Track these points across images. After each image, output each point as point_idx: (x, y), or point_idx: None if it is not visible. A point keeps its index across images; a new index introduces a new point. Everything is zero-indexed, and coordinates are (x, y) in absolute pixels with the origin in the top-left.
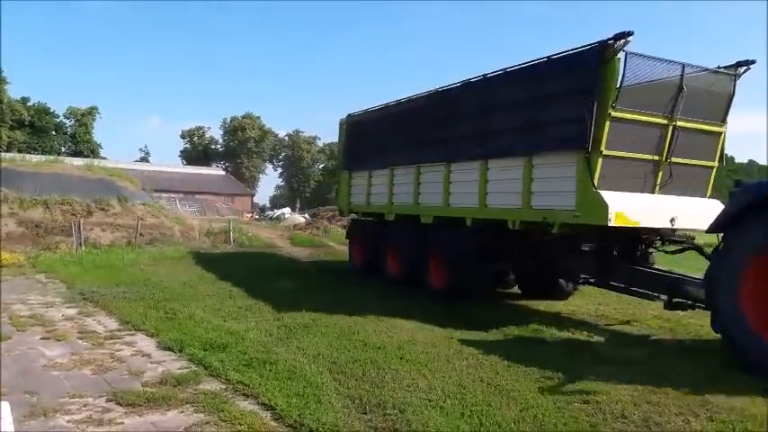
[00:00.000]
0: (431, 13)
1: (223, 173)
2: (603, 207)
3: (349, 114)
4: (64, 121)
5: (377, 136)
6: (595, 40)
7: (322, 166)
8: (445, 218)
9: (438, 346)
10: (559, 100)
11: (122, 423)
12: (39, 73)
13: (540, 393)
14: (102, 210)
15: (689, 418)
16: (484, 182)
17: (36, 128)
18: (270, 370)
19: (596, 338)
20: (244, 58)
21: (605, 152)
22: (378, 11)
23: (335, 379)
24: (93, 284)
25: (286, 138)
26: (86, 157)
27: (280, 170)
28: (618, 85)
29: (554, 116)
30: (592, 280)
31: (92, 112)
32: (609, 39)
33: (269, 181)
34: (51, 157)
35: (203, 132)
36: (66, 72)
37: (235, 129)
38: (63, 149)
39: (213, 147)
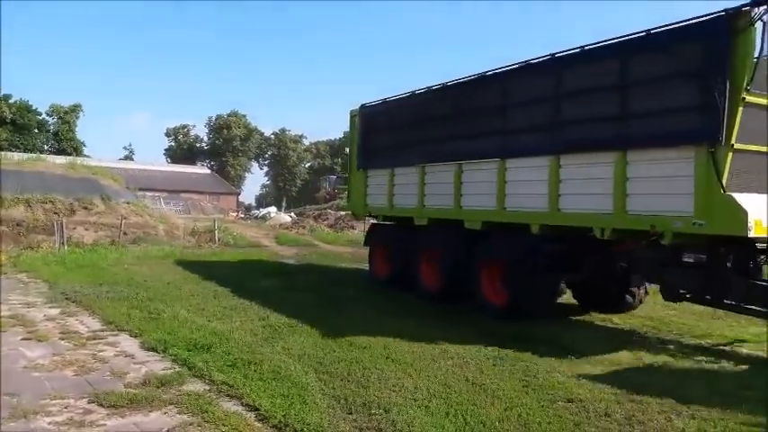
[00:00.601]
0: (422, 12)
1: (208, 171)
2: (740, 213)
3: (363, 105)
4: (46, 118)
5: (402, 128)
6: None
7: (308, 164)
8: (498, 223)
9: (424, 346)
10: (668, 83)
11: (104, 425)
12: (20, 70)
13: (524, 392)
14: (86, 208)
15: (671, 416)
16: (555, 181)
17: (18, 125)
18: (254, 370)
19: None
20: (230, 55)
21: (737, 146)
22: (367, 10)
23: (321, 379)
24: (76, 284)
25: (272, 136)
26: (69, 155)
27: (266, 169)
28: (754, 63)
29: (660, 102)
30: (688, 296)
31: (75, 109)
32: (743, 4)
33: (255, 180)
34: (33, 156)
35: (188, 130)
36: (49, 69)
37: (220, 127)
38: (46, 147)
39: (198, 145)
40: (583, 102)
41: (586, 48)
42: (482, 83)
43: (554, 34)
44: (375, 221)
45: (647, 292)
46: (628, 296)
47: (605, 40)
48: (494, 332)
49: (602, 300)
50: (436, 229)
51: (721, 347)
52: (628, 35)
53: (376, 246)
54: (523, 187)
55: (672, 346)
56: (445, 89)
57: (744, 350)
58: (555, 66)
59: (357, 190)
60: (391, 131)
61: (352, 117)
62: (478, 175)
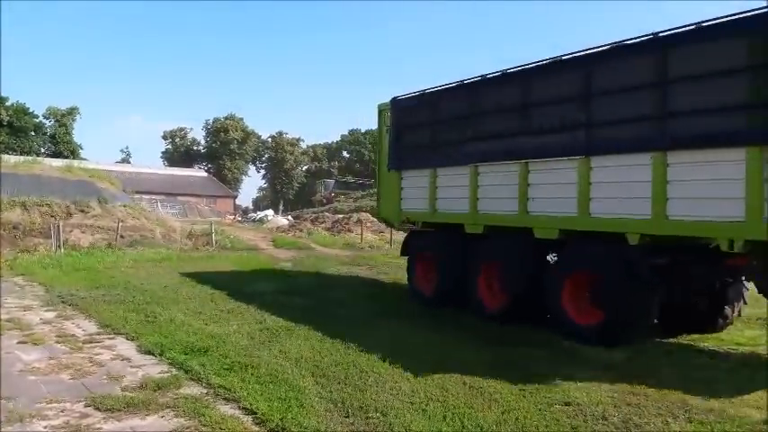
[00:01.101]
0: (416, 12)
1: (205, 174)
2: None
3: (396, 98)
4: (43, 121)
5: (448, 123)
6: None
7: (305, 167)
8: (579, 232)
9: (421, 349)
10: None
11: (101, 428)
12: (17, 72)
13: (521, 396)
14: (82, 211)
15: (668, 419)
16: (662, 183)
17: (14, 128)
18: (251, 374)
19: None
20: (227, 59)
21: None
22: (363, 11)
23: (318, 382)
24: (73, 287)
25: (269, 139)
26: (66, 158)
27: (263, 172)
28: None
29: None
30: None
31: (72, 112)
32: None
33: (252, 183)
34: (30, 158)
35: (185, 133)
36: (46, 72)
37: (217, 130)
38: (42, 150)
39: (195, 148)
40: (694, 87)
41: (704, 24)
42: (558, 69)
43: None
44: (414, 228)
45: (740, 312)
46: (720, 316)
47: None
48: (490, 335)
49: (691, 320)
50: (497, 238)
51: (718, 350)
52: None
53: (417, 257)
54: (615, 190)
55: (669, 349)
56: (507, 77)
57: (740, 353)
58: (660, 46)
59: (389, 193)
60: (433, 127)
61: (380, 112)
62: (553, 176)
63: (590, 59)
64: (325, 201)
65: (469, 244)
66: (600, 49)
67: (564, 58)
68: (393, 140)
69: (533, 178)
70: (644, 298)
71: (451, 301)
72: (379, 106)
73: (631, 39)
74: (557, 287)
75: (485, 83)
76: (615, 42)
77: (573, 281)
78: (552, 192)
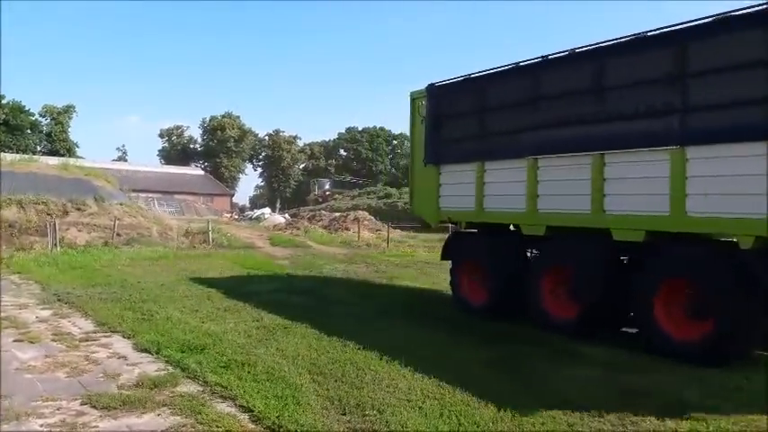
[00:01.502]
0: (414, 11)
1: (202, 173)
2: None
3: (433, 84)
4: (39, 119)
5: (501, 110)
6: None
7: (303, 166)
8: (671, 234)
9: (417, 346)
10: None
11: (97, 426)
12: (14, 71)
13: (518, 393)
14: (79, 210)
15: (663, 416)
16: None
17: (10, 126)
18: (248, 372)
19: None
20: (224, 57)
21: None
22: (362, 10)
23: (315, 380)
24: (69, 285)
25: (266, 137)
26: (62, 156)
27: (260, 170)
28: None
29: None
30: None
31: (68, 110)
32: None
33: (249, 181)
34: (26, 156)
35: (182, 131)
36: (42, 69)
37: (214, 128)
38: (39, 148)
39: (192, 146)
40: None
41: None
42: (643, 46)
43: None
44: (458, 229)
45: None
46: None
47: None
48: (486, 333)
49: None
50: (564, 241)
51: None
52: None
53: (462, 261)
54: (719, 185)
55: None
56: (577, 57)
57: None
58: None
59: (425, 190)
60: (481, 115)
61: (413, 100)
62: (636, 170)
63: (685, 35)
64: (320, 200)
65: (528, 247)
66: (697, 22)
67: (651, 33)
68: (430, 132)
69: (611, 172)
70: (759, 309)
71: (506, 311)
72: (412, 94)
73: (740, 9)
74: (646, 296)
75: (548, 64)
76: (719, 15)
77: (667, 289)
78: (636, 187)
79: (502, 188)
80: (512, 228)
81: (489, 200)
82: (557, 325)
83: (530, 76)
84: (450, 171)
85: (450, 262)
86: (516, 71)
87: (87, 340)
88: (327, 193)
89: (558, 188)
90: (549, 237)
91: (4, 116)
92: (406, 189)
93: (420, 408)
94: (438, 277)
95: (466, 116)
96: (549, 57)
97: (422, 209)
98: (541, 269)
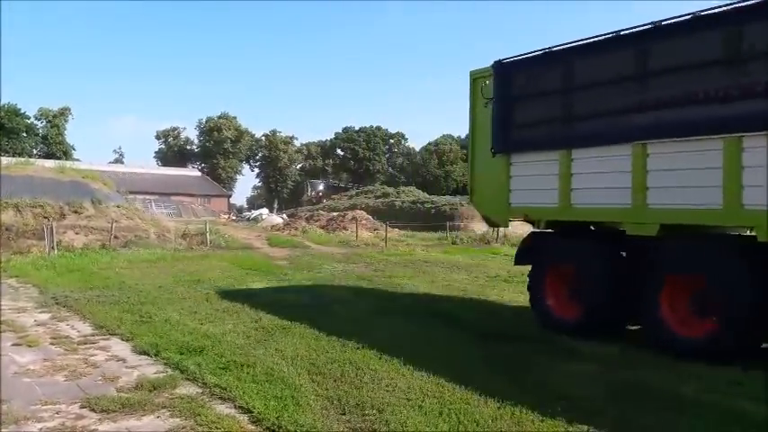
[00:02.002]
0: (408, 11)
1: (199, 174)
2: None
3: (502, 61)
4: (35, 122)
5: (595, 88)
6: None
7: (300, 166)
8: None
9: (416, 345)
10: None
11: (96, 430)
12: (8, 73)
13: (518, 391)
14: (76, 212)
15: (663, 413)
16: None
17: (6, 129)
18: (247, 373)
19: None
20: (220, 57)
21: None
22: (359, 9)
23: (314, 380)
24: (67, 288)
25: (263, 138)
26: (59, 159)
27: (257, 171)
28: None
29: None
30: None
31: (64, 113)
32: None
33: (246, 182)
34: (22, 159)
35: (178, 133)
36: (38, 72)
37: (211, 129)
38: (35, 151)
39: (189, 147)
40: None
41: None
42: None
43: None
44: (535, 229)
45: None
46: None
47: None
48: (486, 331)
49: None
50: (691, 243)
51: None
52: None
53: (548, 268)
54: None
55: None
56: (703, 21)
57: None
58: None
59: (490, 183)
60: (566, 95)
61: (473, 80)
62: None
63: None
64: (314, 200)
65: (638, 250)
66: None
67: None
68: (498, 115)
69: (752, 158)
70: None
71: (611, 327)
72: (473, 73)
73: None
74: None
75: (661, 32)
76: None
77: None
78: None
79: (595, 180)
80: (589, 228)
81: (578, 194)
82: (687, 345)
83: (636, 46)
84: (524, 161)
85: (516, 270)
86: (617, 41)
87: (86, 343)
88: (321, 194)
89: (676, 179)
90: (664, 237)
91: None
92: (404, 188)
93: (420, 406)
94: (436, 275)
95: (547, 96)
96: (662, 23)
97: (486, 205)
98: (662, 278)
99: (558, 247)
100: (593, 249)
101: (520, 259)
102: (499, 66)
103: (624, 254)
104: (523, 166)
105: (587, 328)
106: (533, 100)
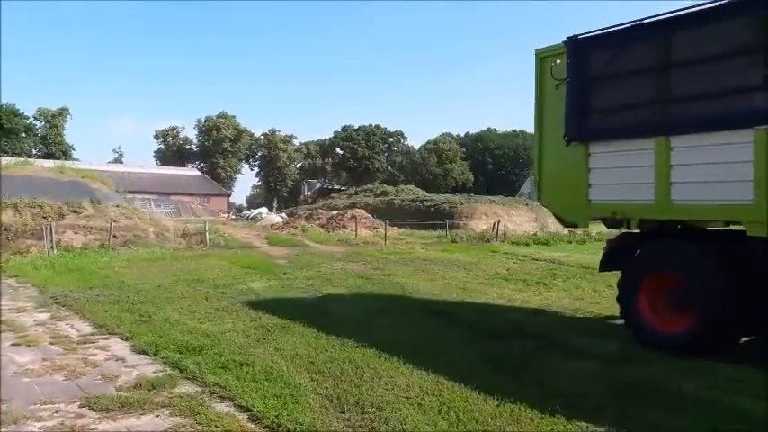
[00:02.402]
0: (407, 11)
1: (198, 173)
2: None
3: (577, 37)
4: (34, 122)
5: (702, 65)
6: None
7: (299, 165)
8: None
9: (415, 343)
10: None
11: (95, 429)
12: (8, 73)
13: (517, 388)
14: (75, 212)
15: (663, 410)
16: None
17: (5, 130)
18: (247, 371)
19: None
20: (219, 57)
21: None
22: (357, 8)
23: (313, 379)
24: (66, 288)
25: (262, 137)
26: (58, 158)
27: (256, 170)
28: None
29: None
30: None
31: (63, 113)
32: None
33: (245, 181)
34: (21, 160)
35: (177, 132)
36: (36, 72)
37: (210, 128)
38: (34, 152)
39: (188, 147)
40: None
41: None
42: None
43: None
44: (626, 230)
45: None
46: None
47: None
48: (485, 329)
49: None
50: None
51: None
52: None
53: (645, 275)
54: None
55: None
56: None
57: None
58: None
59: (563, 176)
60: (664, 74)
61: (541, 60)
62: None
63: None
64: (309, 200)
65: (762, 254)
66: None
67: None
68: (574, 99)
69: None
70: None
71: (726, 342)
72: (540, 52)
73: None
74: None
75: None
76: None
77: None
78: None
79: (704, 172)
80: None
81: (680, 189)
82: None
83: (758, 12)
84: (607, 150)
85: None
86: (727, 8)
87: (85, 343)
88: (315, 195)
89: None
90: None
91: None
92: (403, 187)
93: (419, 404)
94: (435, 274)
95: (638, 75)
96: None
97: (559, 203)
98: None
99: (661, 249)
100: (710, 253)
101: (607, 264)
102: (574, 42)
103: (745, 258)
104: (606, 157)
105: (698, 344)
106: (619, 80)
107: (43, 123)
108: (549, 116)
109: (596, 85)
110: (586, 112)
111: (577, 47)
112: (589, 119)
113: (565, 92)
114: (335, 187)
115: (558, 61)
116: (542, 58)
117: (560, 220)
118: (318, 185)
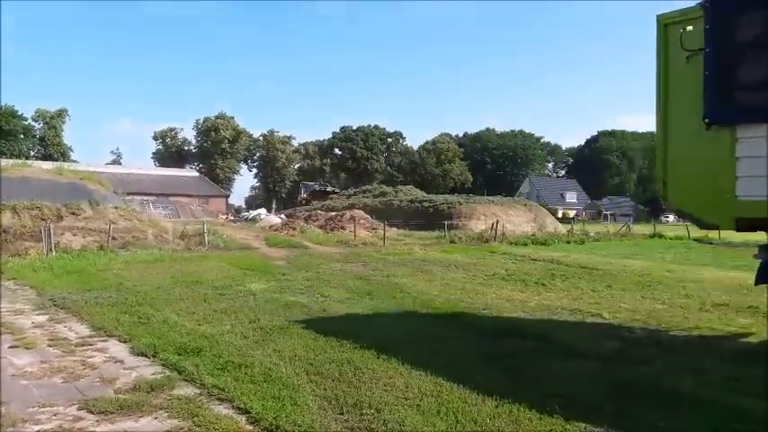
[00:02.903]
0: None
1: (197, 174)
2: None
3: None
4: (32, 123)
5: None
6: None
7: (298, 166)
8: None
9: (414, 344)
10: None
11: (94, 431)
12: (8, 73)
13: (515, 389)
14: (73, 214)
15: (659, 409)
16: None
17: (3, 131)
18: (245, 373)
19: None
20: (219, 57)
21: None
22: (356, 10)
23: (312, 380)
24: (65, 290)
25: (260, 138)
26: (56, 160)
27: (255, 171)
28: None
29: None
30: None
31: (61, 114)
32: None
33: (244, 182)
34: (19, 161)
35: (176, 133)
36: (34, 73)
37: (208, 129)
38: (32, 153)
39: (186, 148)
40: None
41: None
42: None
43: None
44: None
45: None
46: None
47: None
48: (484, 329)
49: None
50: None
51: (709, 339)
52: None
53: None
54: None
55: (661, 339)
56: None
57: (732, 341)
58: None
59: (701, 168)
60: None
61: (664, 27)
62: None
63: None
64: (304, 201)
65: None
66: None
67: None
68: (715, 73)
69: None
70: None
71: None
72: (661, 18)
73: None
74: None
75: None
76: None
77: None
78: None
79: None
80: None
81: None
82: None
83: None
84: (761, 135)
85: None
86: None
87: (83, 345)
88: (310, 197)
89: None
90: None
91: None
92: (402, 187)
93: (418, 405)
94: (434, 274)
95: None
96: None
97: (692, 200)
98: None
99: None
100: None
101: (763, 276)
102: (714, 4)
103: None
104: (760, 143)
105: None
106: None
107: (42, 125)
108: (678, 95)
109: (748, 54)
110: (733, 87)
111: (718, 10)
112: (737, 96)
113: (703, 64)
114: (330, 189)
115: (690, 27)
116: (666, 25)
117: (696, 221)
118: (314, 187)
